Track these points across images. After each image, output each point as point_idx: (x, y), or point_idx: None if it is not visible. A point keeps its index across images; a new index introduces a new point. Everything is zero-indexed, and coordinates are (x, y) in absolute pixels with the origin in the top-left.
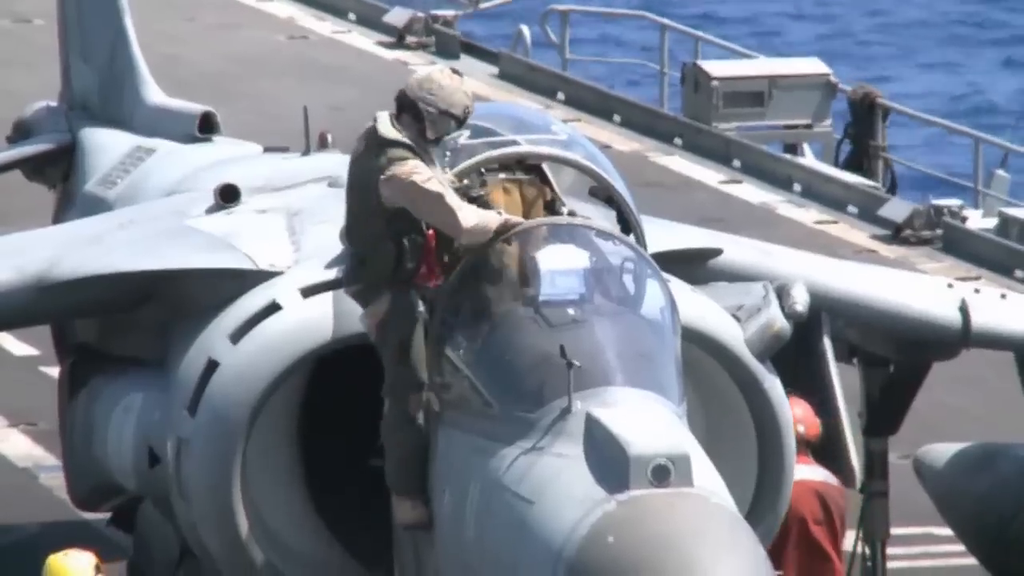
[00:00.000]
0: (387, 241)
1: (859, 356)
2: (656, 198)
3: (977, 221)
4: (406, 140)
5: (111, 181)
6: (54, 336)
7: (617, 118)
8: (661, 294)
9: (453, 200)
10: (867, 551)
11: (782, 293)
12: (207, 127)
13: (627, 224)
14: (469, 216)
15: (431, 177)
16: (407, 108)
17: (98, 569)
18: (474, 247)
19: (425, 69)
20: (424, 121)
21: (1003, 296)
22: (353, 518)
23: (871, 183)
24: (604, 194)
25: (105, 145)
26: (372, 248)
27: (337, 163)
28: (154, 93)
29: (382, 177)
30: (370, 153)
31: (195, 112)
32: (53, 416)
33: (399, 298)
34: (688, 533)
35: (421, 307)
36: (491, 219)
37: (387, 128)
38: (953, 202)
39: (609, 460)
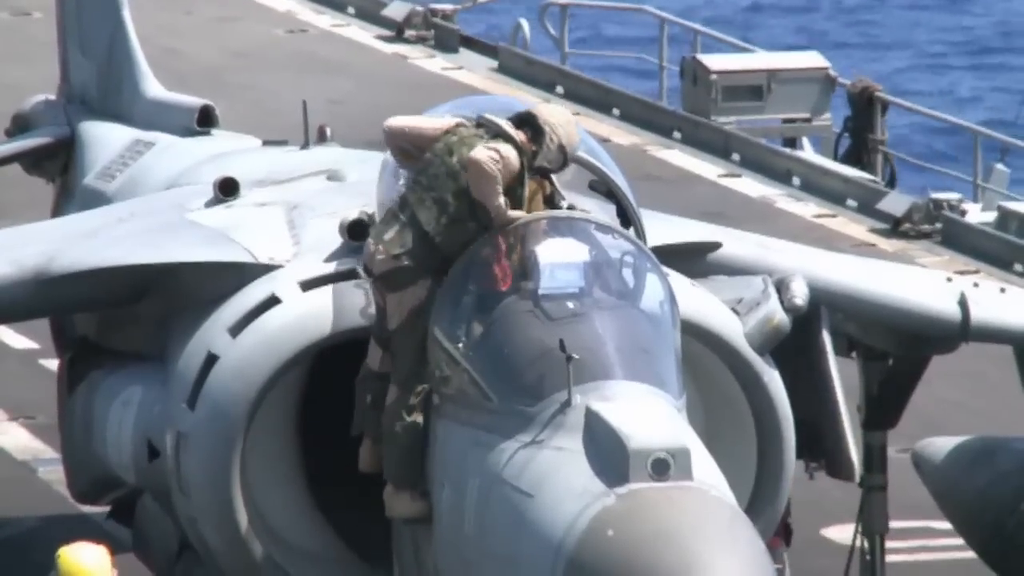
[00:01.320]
0: (469, 221)
1: (858, 350)
2: (655, 192)
3: (976, 215)
4: (519, 142)
5: (110, 175)
6: (53, 330)
7: (616, 112)
8: (660, 288)
9: (494, 155)
10: (866, 545)
11: (781, 287)
12: (206, 120)
13: (627, 218)
14: (494, 164)
15: (503, 166)
16: (529, 127)
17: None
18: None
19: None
20: (542, 145)
21: (1002, 290)
22: (352, 512)
23: (870, 177)
24: (604, 188)
25: (104, 138)
26: (448, 225)
27: (336, 156)
28: (153, 86)
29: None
30: (482, 138)
31: (194, 105)
32: (52, 410)
33: (437, 287)
34: (687, 527)
35: None
36: (500, 197)
37: (509, 126)
38: (952, 196)
39: (608, 454)
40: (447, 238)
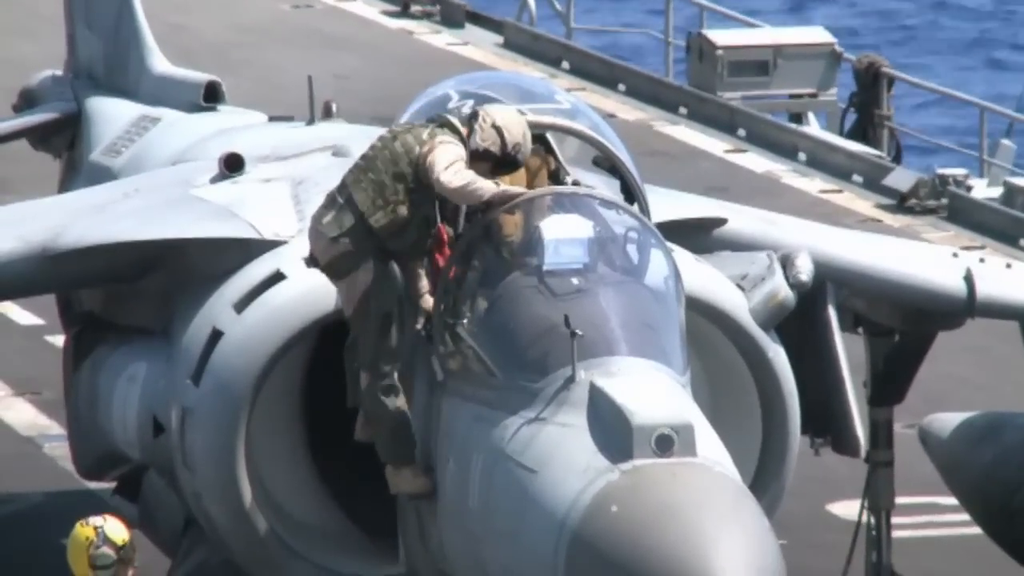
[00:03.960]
0: (404, 206)
1: (864, 326)
2: (661, 167)
3: (982, 190)
4: (464, 136)
5: (116, 150)
6: (59, 305)
7: (622, 87)
8: (665, 263)
9: (455, 164)
10: (872, 521)
11: (786, 263)
12: (212, 96)
13: (631, 193)
14: (459, 175)
15: (460, 159)
16: (472, 118)
17: (107, 540)
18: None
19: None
20: (475, 126)
21: (1008, 265)
22: (357, 487)
23: (876, 152)
24: (608, 163)
25: (110, 114)
26: (384, 208)
27: (342, 132)
28: (159, 62)
29: (431, 141)
30: (427, 128)
31: (200, 81)
32: (58, 385)
33: (383, 269)
34: (691, 503)
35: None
36: (485, 187)
37: (456, 120)
38: (958, 171)
39: (612, 430)
40: (382, 221)
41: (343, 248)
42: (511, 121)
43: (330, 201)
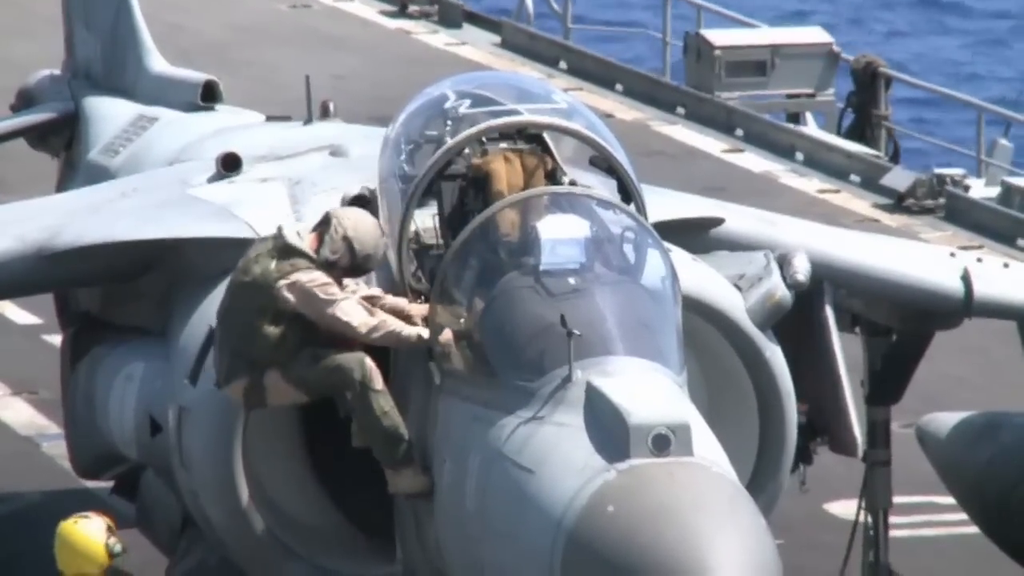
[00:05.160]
0: (270, 327)
1: (861, 325)
2: (658, 167)
3: (980, 190)
4: (309, 252)
5: (114, 150)
6: (56, 305)
7: (619, 87)
8: (662, 263)
9: (349, 307)
10: (869, 520)
11: (784, 262)
12: (209, 96)
13: (628, 193)
14: (365, 321)
15: (329, 284)
16: (323, 224)
17: (111, 531)
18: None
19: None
20: (326, 235)
21: (1005, 265)
22: (354, 486)
23: (873, 152)
24: (605, 163)
25: (108, 114)
26: (253, 344)
27: (339, 132)
28: (157, 62)
29: (283, 282)
30: (273, 257)
31: (198, 81)
32: (55, 385)
33: (287, 362)
34: (688, 503)
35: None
36: (400, 330)
37: (294, 237)
38: (956, 171)
39: (609, 429)
40: (257, 353)
41: (239, 388)
42: (363, 230)
43: (209, 343)
